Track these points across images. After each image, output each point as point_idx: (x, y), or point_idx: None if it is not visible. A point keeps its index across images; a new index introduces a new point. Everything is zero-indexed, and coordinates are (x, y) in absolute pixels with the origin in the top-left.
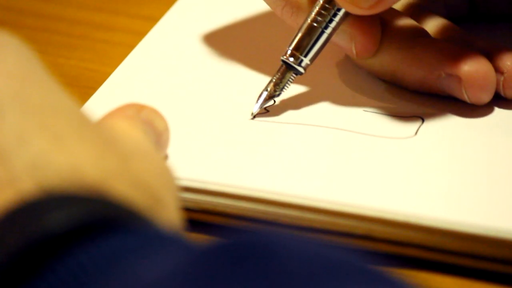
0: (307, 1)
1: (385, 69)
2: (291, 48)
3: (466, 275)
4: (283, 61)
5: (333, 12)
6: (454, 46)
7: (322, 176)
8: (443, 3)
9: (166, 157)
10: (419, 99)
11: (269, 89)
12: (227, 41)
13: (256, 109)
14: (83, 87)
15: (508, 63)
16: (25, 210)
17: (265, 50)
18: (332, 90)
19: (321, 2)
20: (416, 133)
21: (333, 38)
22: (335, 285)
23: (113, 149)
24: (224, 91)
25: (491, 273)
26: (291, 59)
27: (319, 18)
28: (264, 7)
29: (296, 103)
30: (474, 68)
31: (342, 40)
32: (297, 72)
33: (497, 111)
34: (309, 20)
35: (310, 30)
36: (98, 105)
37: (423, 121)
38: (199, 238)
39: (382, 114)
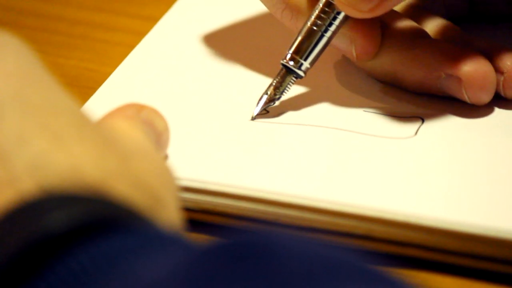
0: (306, 4)
1: (386, 71)
2: (291, 51)
3: (466, 275)
4: (283, 64)
5: (332, 15)
6: (454, 47)
7: (322, 176)
8: (443, 3)
9: (166, 157)
10: (419, 99)
11: (269, 92)
12: (227, 41)
13: (256, 112)
14: (83, 87)
15: (508, 63)
16: (25, 210)
17: (266, 50)
18: (332, 91)
19: (321, 5)
20: (416, 133)
21: (333, 41)
22: (335, 285)
23: (113, 149)
24: (224, 91)
25: (491, 273)
26: (291, 62)
27: (319, 22)
28: (265, 7)
29: (297, 104)
30: (474, 68)
31: (342, 43)
32: (297, 76)
33: (497, 111)
34: (309, 24)
35: (310, 34)
36: (98, 105)
37: (423, 121)
38: (199, 238)
39: (382, 114)
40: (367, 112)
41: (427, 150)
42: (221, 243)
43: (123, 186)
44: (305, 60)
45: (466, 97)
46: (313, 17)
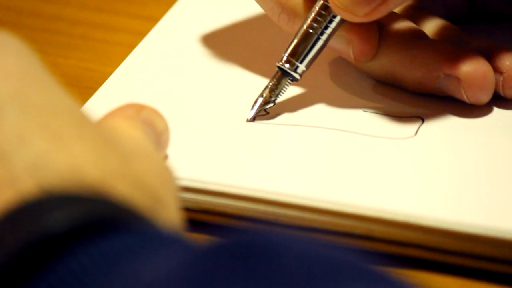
0: (303, 8)
1: (385, 72)
2: (286, 54)
3: (466, 275)
4: (278, 67)
5: (329, 18)
6: (452, 47)
7: (322, 176)
8: (443, 3)
9: (166, 157)
10: (419, 99)
11: (264, 95)
12: (228, 41)
13: (251, 115)
14: (83, 87)
15: (507, 63)
16: (25, 210)
17: (266, 51)
18: (333, 92)
19: (317, 8)
20: (416, 133)
21: (331, 43)
22: (335, 285)
23: (113, 149)
24: (224, 91)
25: (491, 273)
26: (287, 65)
27: (315, 25)
28: None
29: (297, 105)
30: (472, 68)
31: (339, 45)
32: (293, 79)
33: (497, 111)
34: (305, 27)
35: (306, 37)
36: (98, 105)
37: (423, 121)
38: (199, 238)
39: (382, 114)
40: (367, 113)
41: (427, 150)
42: (221, 243)
43: (123, 186)
44: (301, 63)
45: (465, 97)
46: (309, 20)
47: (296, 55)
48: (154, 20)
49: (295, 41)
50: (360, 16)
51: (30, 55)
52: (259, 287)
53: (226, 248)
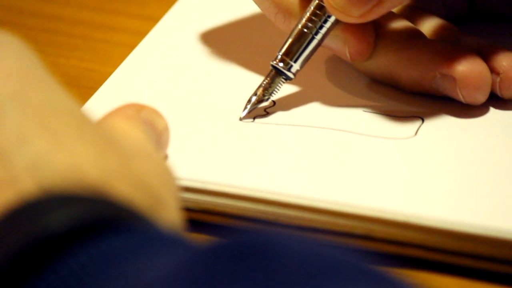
0: (298, 7)
1: (382, 72)
2: (281, 53)
3: (466, 275)
4: (272, 66)
5: (324, 18)
6: (449, 46)
7: (322, 176)
8: (442, 3)
9: (166, 157)
10: (418, 99)
11: (258, 93)
12: (228, 41)
13: (244, 114)
14: (83, 87)
15: (504, 64)
16: (25, 210)
17: (266, 50)
18: (332, 92)
19: (312, 8)
20: (416, 133)
21: (327, 42)
22: (335, 285)
23: (113, 149)
24: (224, 91)
25: (491, 273)
26: (281, 64)
27: (310, 24)
28: None
29: (297, 105)
30: (468, 68)
31: (335, 44)
32: (287, 78)
33: (498, 111)
34: (299, 26)
35: (300, 36)
36: (98, 105)
37: (423, 121)
38: (199, 238)
39: (382, 114)
40: (367, 113)
41: (427, 150)
42: (221, 243)
43: (123, 186)
44: (295, 62)
45: (461, 97)
46: (304, 20)
47: (290, 54)
48: (154, 20)
49: (290, 40)
50: (355, 17)
51: (30, 55)
52: (259, 287)
53: (226, 248)
